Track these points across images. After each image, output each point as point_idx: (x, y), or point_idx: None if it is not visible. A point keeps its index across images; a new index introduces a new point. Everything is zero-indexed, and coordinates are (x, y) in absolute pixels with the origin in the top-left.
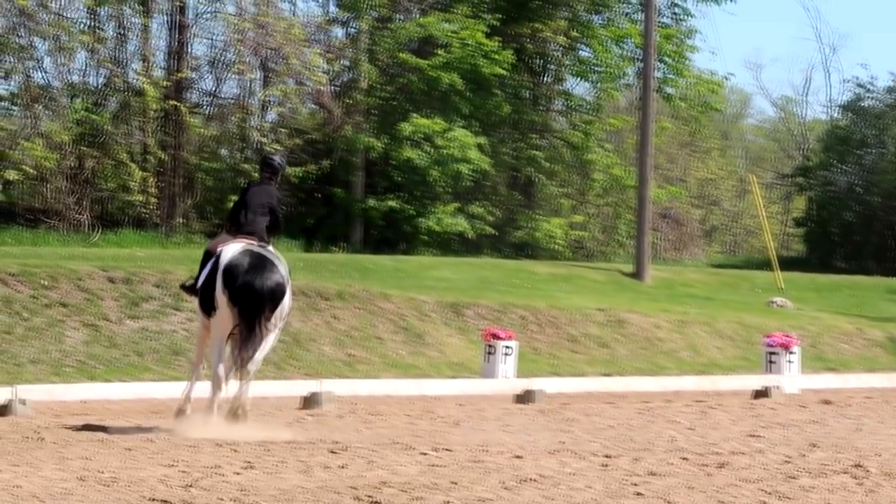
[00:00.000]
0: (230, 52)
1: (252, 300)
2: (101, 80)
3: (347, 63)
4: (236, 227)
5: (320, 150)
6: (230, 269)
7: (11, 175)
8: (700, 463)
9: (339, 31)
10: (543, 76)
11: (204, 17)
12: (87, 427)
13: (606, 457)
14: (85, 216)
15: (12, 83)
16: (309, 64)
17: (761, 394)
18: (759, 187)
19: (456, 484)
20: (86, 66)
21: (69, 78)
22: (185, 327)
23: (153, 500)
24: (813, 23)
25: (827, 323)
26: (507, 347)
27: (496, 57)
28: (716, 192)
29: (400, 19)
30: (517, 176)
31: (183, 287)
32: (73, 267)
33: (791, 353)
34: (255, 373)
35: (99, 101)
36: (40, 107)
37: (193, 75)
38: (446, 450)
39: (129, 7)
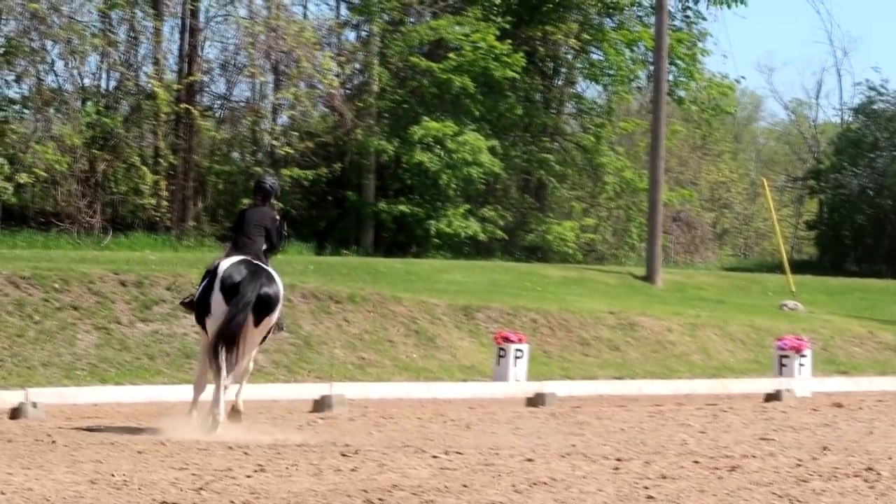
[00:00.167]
0: (242, 55)
1: (244, 303)
2: (112, 83)
3: (359, 66)
4: (234, 248)
5: (332, 154)
6: (227, 275)
7: (23, 178)
8: (711, 466)
9: (350, 35)
10: (555, 79)
11: (215, 20)
12: (99, 430)
13: (618, 460)
14: (96, 219)
15: (24, 86)
16: (320, 67)
17: (773, 397)
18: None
19: (467, 487)
20: (98, 70)
21: (81, 81)
22: (196, 330)
23: (164, 503)
24: (825, 26)
25: (838, 326)
26: (519, 350)
27: (508, 60)
28: (727, 195)
29: (411, 22)
30: (529, 179)
31: (182, 303)
32: (85, 270)
33: (802, 356)
34: (244, 377)
35: (111, 104)
36: (52, 110)
37: (205, 78)
38: (457, 453)
39: (141, 10)
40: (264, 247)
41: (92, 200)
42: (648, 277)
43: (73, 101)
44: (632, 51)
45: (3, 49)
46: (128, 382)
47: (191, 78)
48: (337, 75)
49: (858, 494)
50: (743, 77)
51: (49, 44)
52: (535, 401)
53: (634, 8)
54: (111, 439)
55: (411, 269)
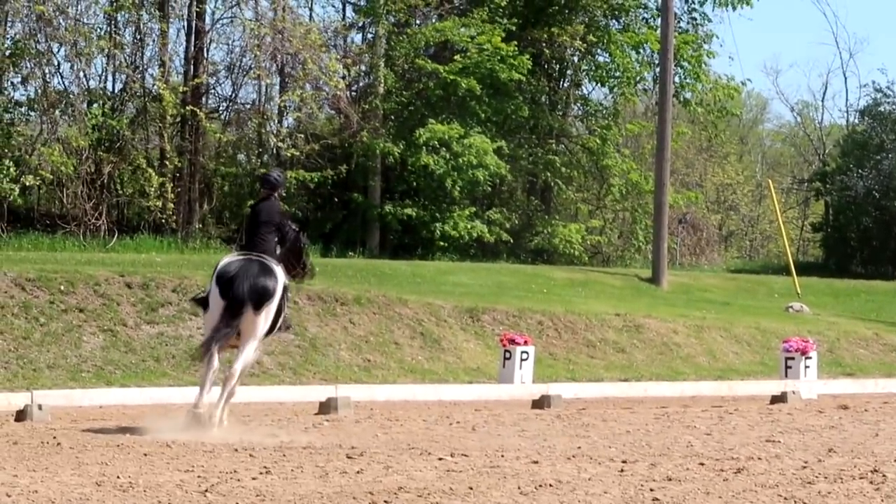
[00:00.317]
0: (248, 57)
1: (238, 294)
2: (118, 85)
3: (365, 68)
4: (243, 246)
5: (338, 156)
6: (223, 271)
7: (29, 180)
8: (717, 468)
9: (356, 37)
10: (561, 81)
11: (221, 22)
12: (104, 432)
13: (623, 462)
14: (102, 221)
15: (30, 88)
16: (326, 69)
17: (778, 399)
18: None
19: (473, 489)
20: (104, 72)
21: (87, 83)
22: (202, 332)
23: None
24: (831, 28)
25: (844, 328)
26: (525, 353)
27: (514, 62)
28: (733, 197)
29: (417, 24)
30: (535, 181)
31: (194, 299)
32: (91, 272)
33: (808, 358)
34: (237, 378)
35: (117, 106)
36: (58, 112)
37: (211, 80)
38: (463, 455)
39: (147, 13)
40: (277, 246)
41: (98, 202)
42: (654, 279)
43: (79, 104)
44: (638, 53)
45: (9, 51)
46: (133, 384)
47: (197, 80)
48: (343, 77)
49: (864, 496)
50: (749, 79)
51: (55, 46)
52: (541, 403)
53: (640, 10)
54: (117, 441)
55: (417, 271)
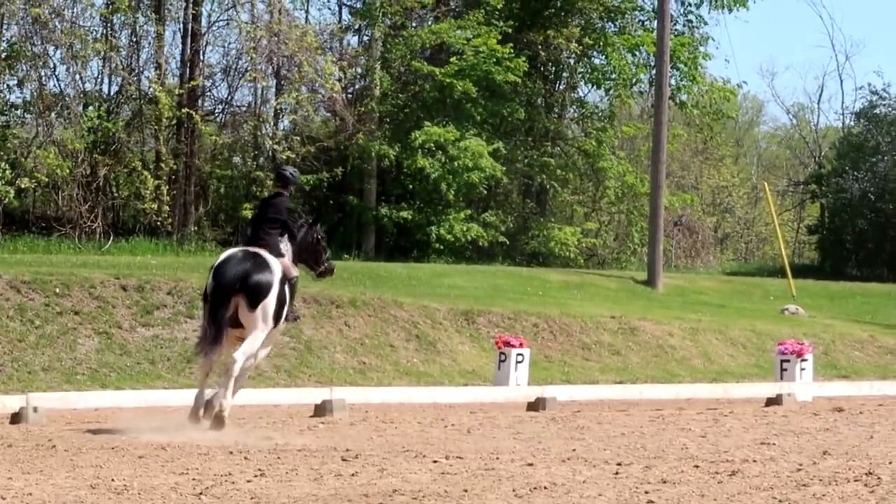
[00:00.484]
0: (244, 59)
1: (224, 286)
2: (114, 87)
3: (361, 71)
4: (248, 239)
5: (333, 158)
6: (218, 264)
7: (25, 183)
8: (712, 471)
9: (352, 39)
10: (557, 83)
11: (217, 24)
12: (99, 434)
13: (618, 464)
14: (98, 224)
15: (26, 91)
16: (322, 72)
17: (773, 401)
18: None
19: (467, 492)
20: (99, 74)
21: (83, 86)
22: (197, 335)
23: None
24: (827, 30)
25: (840, 330)
26: (520, 355)
27: (509, 64)
28: (729, 199)
29: (413, 27)
30: (530, 184)
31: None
32: (86, 275)
33: (804, 360)
34: (237, 372)
35: (112, 108)
36: (54, 115)
37: (207, 83)
38: (458, 458)
39: (143, 15)
40: (282, 241)
41: (93, 205)
42: (650, 282)
43: (75, 106)
44: (634, 55)
45: (5, 54)
46: (128, 387)
47: (192, 82)
48: (339, 80)
49: (859, 499)
50: (745, 81)
51: (51, 48)
52: (536, 405)
53: (636, 12)
54: (111, 444)
55: (412, 273)
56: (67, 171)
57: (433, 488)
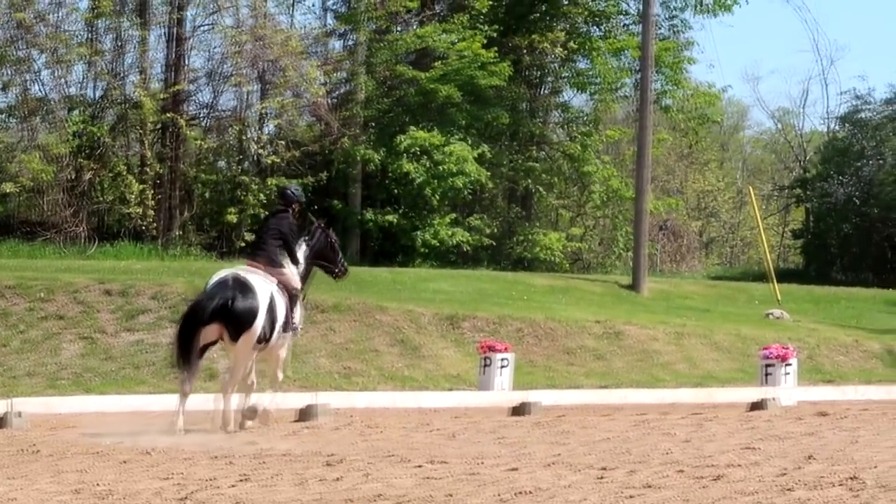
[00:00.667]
0: (228, 64)
1: (199, 312)
2: (98, 92)
3: (345, 75)
4: (250, 252)
5: (318, 163)
6: (207, 287)
7: (8, 187)
8: (696, 476)
9: (336, 44)
10: (541, 88)
11: (202, 29)
12: (83, 439)
13: (602, 469)
14: (82, 228)
15: (10, 95)
16: (307, 76)
17: (758, 406)
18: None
19: (451, 496)
20: (84, 79)
21: (67, 90)
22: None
23: None
24: (811, 35)
25: (824, 335)
26: (504, 360)
27: (494, 68)
28: (714, 203)
29: (398, 31)
30: (515, 188)
31: None
32: (70, 279)
33: (788, 365)
34: (230, 388)
35: (97, 113)
36: (38, 119)
37: (191, 87)
38: (442, 462)
39: (127, 20)
40: (282, 252)
41: (77, 209)
42: (634, 286)
43: (59, 110)
44: (618, 59)
45: None
46: (112, 392)
47: (177, 87)
48: (323, 84)
49: (842, 503)
50: (729, 86)
51: (35, 53)
52: (520, 410)
53: (621, 17)
54: (95, 449)
55: (397, 278)
56: (51, 175)
57: (417, 493)
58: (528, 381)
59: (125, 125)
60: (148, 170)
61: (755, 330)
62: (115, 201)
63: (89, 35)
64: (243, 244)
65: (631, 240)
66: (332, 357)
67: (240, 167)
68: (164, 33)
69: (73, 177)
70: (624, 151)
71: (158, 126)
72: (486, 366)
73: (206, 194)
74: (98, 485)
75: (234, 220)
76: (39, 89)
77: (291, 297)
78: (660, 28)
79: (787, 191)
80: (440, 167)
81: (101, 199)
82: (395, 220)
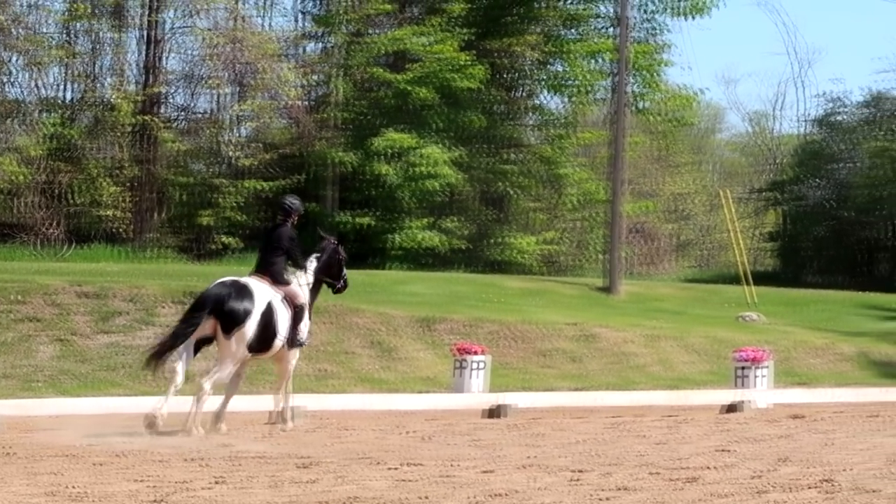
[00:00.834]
0: (204, 66)
1: (199, 303)
2: (74, 94)
3: (321, 78)
4: (255, 267)
5: (293, 165)
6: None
7: None
8: (670, 478)
9: (312, 46)
10: (516, 91)
11: (178, 31)
12: (57, 442)
13: (576, 471)
14: (57, 231)
15: None
16: (282, 79)
17: (732, 408)
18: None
19: (426, 499)
20: (59, 81)
21: (42, 92)
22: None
23: None
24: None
25: (798, 337)
26: (478, 362)
27: (469, 71)
28: (688, 206)
29: (374, 33)
30: (489, 191)
31: None
32: (45, 282)
33: (762, 367)
34: (206, 388)
35: (72, 115)
36: (13, 121)
37: (166, 90)
38: (416, 465)
39: (103, 22)
40: (286, 267)
41: (52, 212)
42: (608, 289)
43: (34, 113)
44: (595, 62)
45: None
46: (87, 394)
47: (152, 89)
48: (299, 87)
49: None
50: (707, 88)
51: (10, 55)
52: (494, 412)
53: (596, 20)
54: (69, 451)
55: (371, 280)
56: (26, 177)
57: (391, 495)
58: (502, 384)
59: (100, 128)
60: (122, 172)
61: (729, 332)
62: (90, 204)
63: (65, 37)
64: (216, 247)
65: (605, 242)
66: (306, 359)
67: (215, 169)
68: (140, 36)
69: (47, 179)
70: (599, 154)
71: (133, 128)
72: (460, 368)
73: (183, 196)
74: (72, 487)
75: (209, 223)
76: (15, 92)
77: (297, 312)
78: (635, 31)
79: (761, 193)
80: (414, 169)
81: (75, 201)
82: (370, 223)
